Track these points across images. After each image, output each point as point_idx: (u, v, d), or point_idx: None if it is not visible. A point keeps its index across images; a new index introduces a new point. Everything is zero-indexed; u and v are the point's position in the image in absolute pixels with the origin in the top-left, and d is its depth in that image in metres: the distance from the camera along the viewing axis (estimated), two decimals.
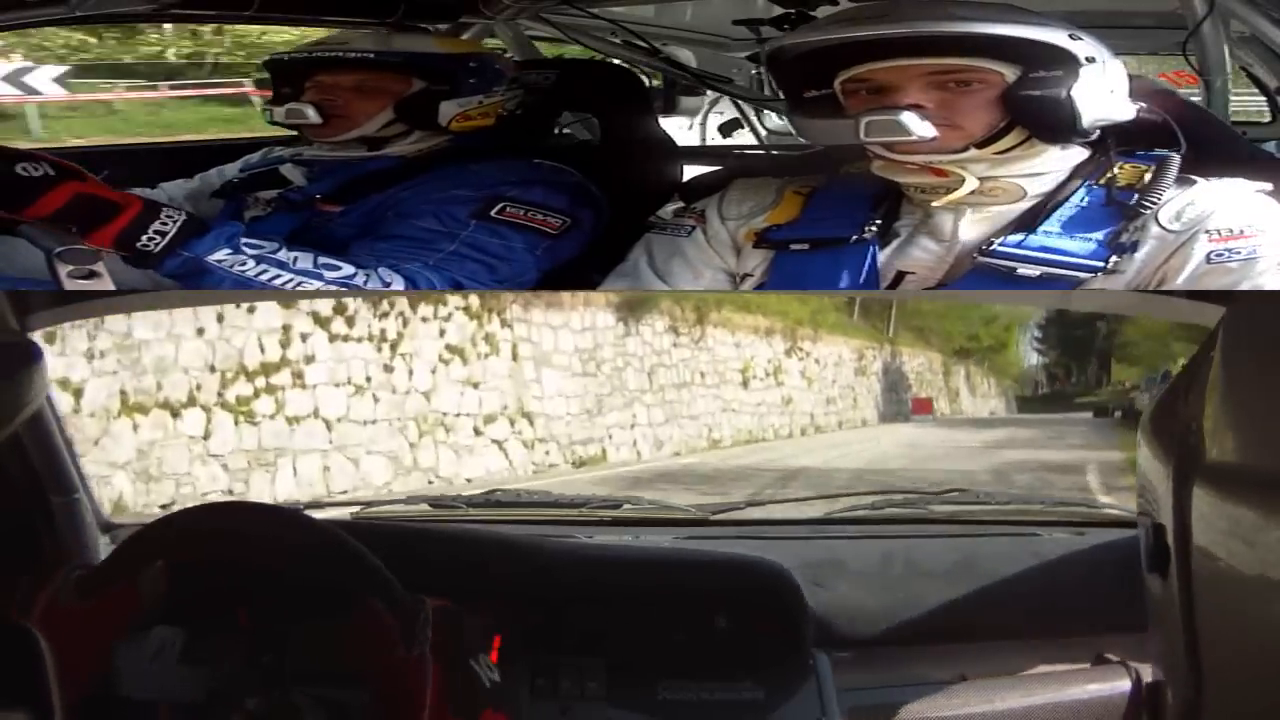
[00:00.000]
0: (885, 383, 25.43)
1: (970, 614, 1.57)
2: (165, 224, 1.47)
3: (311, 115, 1.80)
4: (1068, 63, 1.40)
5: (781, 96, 1.60)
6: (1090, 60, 1.41)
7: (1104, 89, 1.42)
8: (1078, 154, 1.45)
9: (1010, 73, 1.41)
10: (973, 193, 1.43)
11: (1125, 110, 1.45)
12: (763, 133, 2.82)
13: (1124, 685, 1.42)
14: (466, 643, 1.27)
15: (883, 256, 1.48)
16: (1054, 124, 1.42)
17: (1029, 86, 1.41)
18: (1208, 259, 1.34)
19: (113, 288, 1.43)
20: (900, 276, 1.47)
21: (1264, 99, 2.24)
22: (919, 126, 1.39)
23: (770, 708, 1.39)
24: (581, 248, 1.75)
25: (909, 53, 1.41)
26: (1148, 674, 1.41)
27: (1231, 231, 1.35)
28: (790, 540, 1.72)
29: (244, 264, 1.48)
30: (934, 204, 1.45)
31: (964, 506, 1.91)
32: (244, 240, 1.52)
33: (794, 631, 1.47)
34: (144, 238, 1.45)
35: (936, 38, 1.40)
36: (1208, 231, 1.35)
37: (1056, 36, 1.41)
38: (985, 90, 1.41)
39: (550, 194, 1.75)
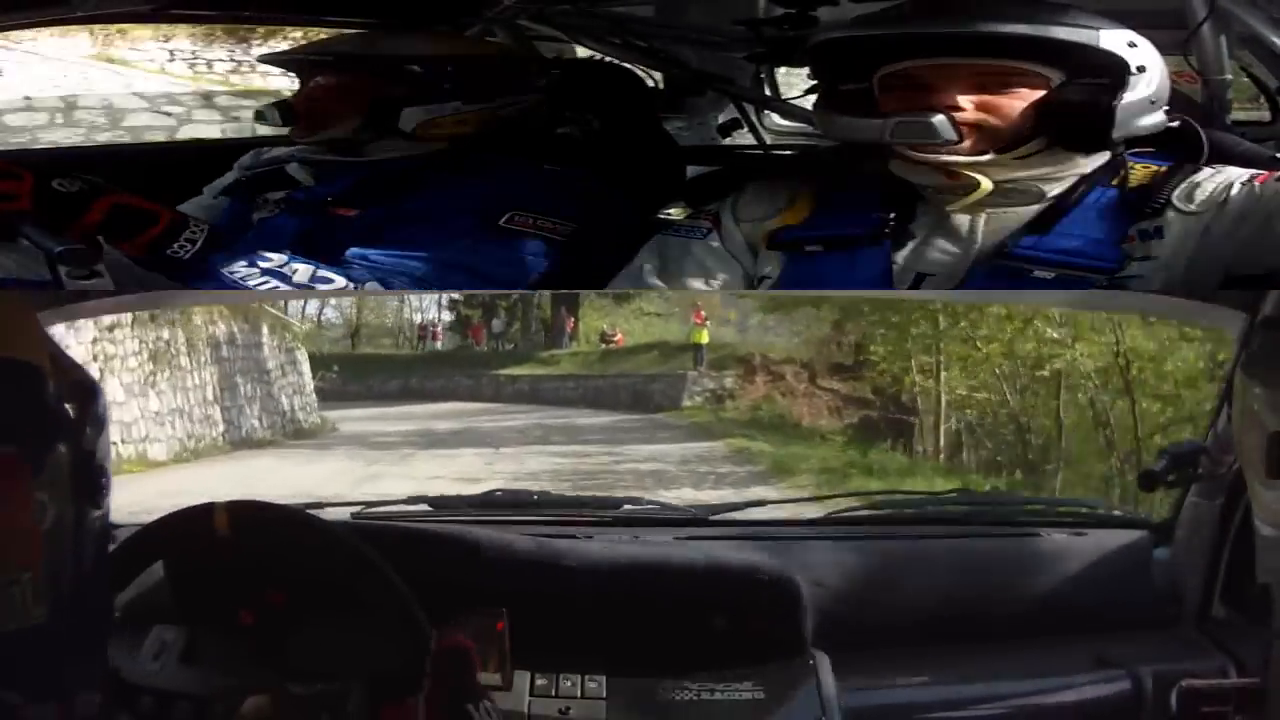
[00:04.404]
0: None
1: (970, 614, 1.57)
2: (194, 233, 1.54)
3: (274, 117, 1.81)
4: (1118, 72, 1.37)
5: (800, 89, 1.56)
6: (1141, 70, 1.38)
7: (1145, 100, 1.39)
8: (1100, 158, 1.44)
9: (1056, 77, 1.38)
10: (989, 195, 1.41)
11: (1158, 121, 1.42)
12: (763, 133, 2.81)
13: (1124, 685, 1.42)
14: (467, 686, 1.25)
15: (900, 258, 1.46)
16: (1086, 134, 1.39)
17: (1072, 93, 1.37)
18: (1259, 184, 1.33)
19: (112, 288, 1.44)
20: (920, 278, 1.45)
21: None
22: (948, 132, 1.36)
23: (770, 708, 1.39)
24: (594, 251, 1.72)
25: (957, 51, 1.38)
26: (1147, 674, 1.41)
27: (1257, 175, 1.35)
28: (790, 540, 1.72)
29: (254, 277, 1.53)
30: (948, 208, 1.44)
31: (964, 506, 1.91)
32: (259, 254, 1.57)
33: (794, 632, 1.47)
34: (175, 246, 1.52)
35: (988, 37, 1.36)
36: (1243, 183, 1.34)
37: (1115, 43, 1.37)
38: (1027, 93, 1.38)
39: (562, 201, 1.74)
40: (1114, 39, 1.38)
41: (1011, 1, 1.40)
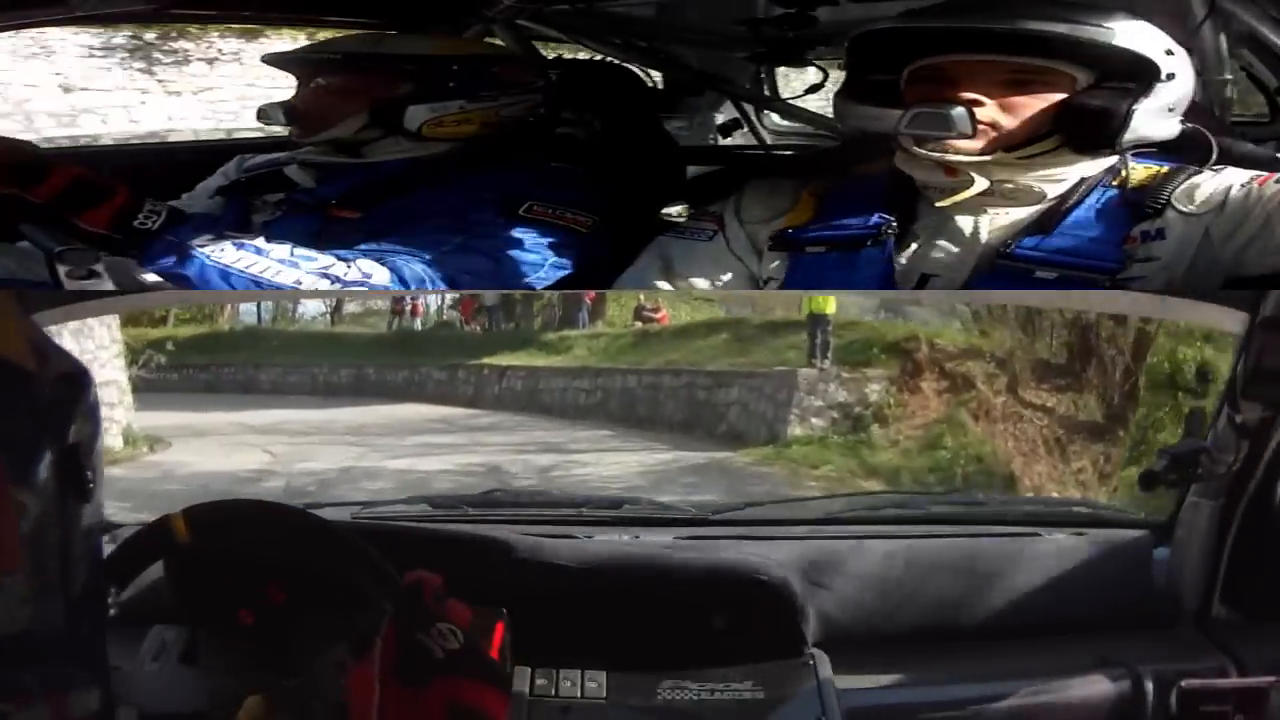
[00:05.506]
0: None
1: (970, 614, 1.57)
2: (156, 207, 1.54)
3: (278, 116, 1.81)
4: (1146, 76, 1.36)
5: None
6: (1170, 77, 1.37)
7: (1164, 107, 1.38)
8: (1103, 161, 1.43)
9: (1084, 78, 1.38)
10: (983, 194, 1.41)
11: (1172, 129, 1.41)
12: (763, 133, 2.81)
13: (1124, 685, 1.42)
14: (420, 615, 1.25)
15: (904, 259, 1.46)
16: (1096, 137, 1.38)
17: (1093, 97, 1.36)
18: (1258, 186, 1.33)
19: (112, 287, 1.44)
20: (923, 279, 1.46)
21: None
22: (964, 124, 1.36)
23: (770, 708, 1.39)
24: (609, 248, 1.71)
25: (995, 48, 1.38)
26: (1147, 674, 1.41)
27: (1257, 177, 1.35)
28: (790, 540, 1.72)
29: (222, 251, 1.52)
30: (938, 204, 1.44)
31: (964, 507, 1.91)
32: (225, 231, 1.57)
33: (793, 631, 1.47)
34: (141, 216, 1.52)
35: (1028, 35, 1.35)
36: (1243, 185, 1.35)
37: (1152, 49, 1.36)
38: (1051, 92, 1.38)
39: (578, 194, 1.74)
40: (1153, 44, 1.37)
41: (1052, 1, 1.40)
